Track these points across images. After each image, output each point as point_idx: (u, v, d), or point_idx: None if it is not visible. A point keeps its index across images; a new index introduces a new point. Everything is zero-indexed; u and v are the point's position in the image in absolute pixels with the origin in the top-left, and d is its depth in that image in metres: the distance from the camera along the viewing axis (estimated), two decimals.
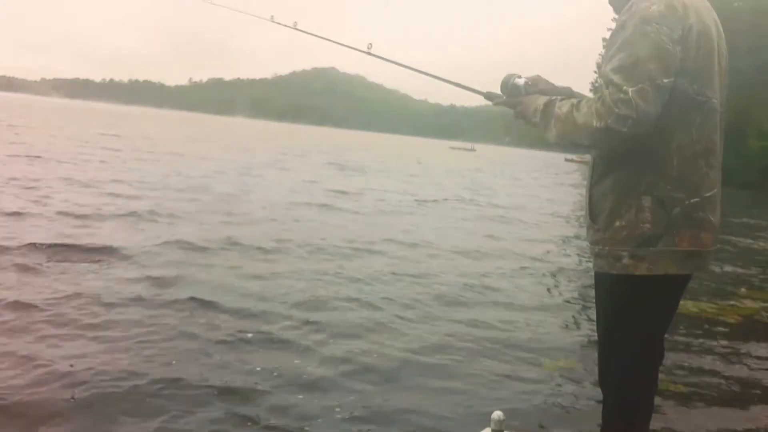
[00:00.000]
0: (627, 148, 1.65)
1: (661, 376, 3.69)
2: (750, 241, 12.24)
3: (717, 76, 1.70)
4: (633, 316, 1.76)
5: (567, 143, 1.72)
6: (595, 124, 1.59)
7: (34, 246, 5.69)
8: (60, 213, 7.59)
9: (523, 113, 1.86)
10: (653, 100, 1.55)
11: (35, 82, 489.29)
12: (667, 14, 1.59)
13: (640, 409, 1.85)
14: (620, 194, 1.69)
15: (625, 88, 1.55)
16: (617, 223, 1.69)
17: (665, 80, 1.56)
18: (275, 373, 3.41)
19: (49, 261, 5.30)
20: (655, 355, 1.87)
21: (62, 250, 5.69)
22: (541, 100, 1.79)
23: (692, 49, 1.61)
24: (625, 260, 1.68)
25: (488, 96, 2.02)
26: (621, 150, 1.67)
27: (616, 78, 1.58)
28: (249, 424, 2.85)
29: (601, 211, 1.74)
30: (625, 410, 1.84)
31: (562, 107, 1.70)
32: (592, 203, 1.78)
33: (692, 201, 1.65)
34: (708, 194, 1.68)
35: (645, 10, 1.59)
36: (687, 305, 5.66)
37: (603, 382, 1.92)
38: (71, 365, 3.23)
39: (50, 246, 5.77)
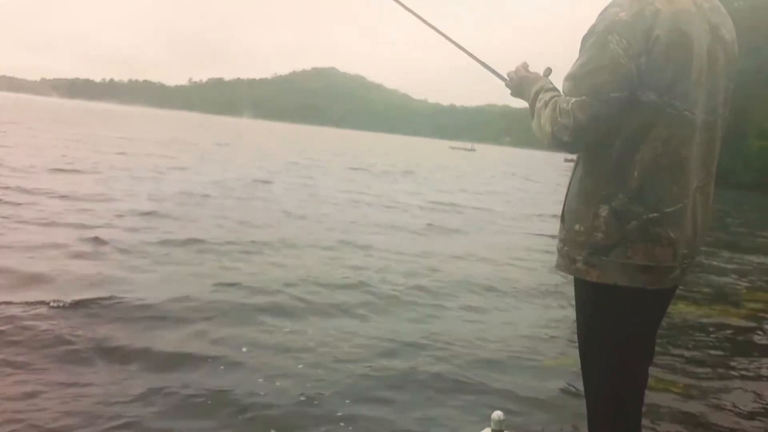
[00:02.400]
0: (579, 152, 1.71)
1: (661, 376, 3.74)
2: (750, 241, 12.25)
3: (698, 87, 1.63)
4: (601, 321, 1.75)
5: (539, 139, 1.76)
6: (547, 128, 1.66)
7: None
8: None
9: (523, 89, 1.90)
10: (592, 113, 1.56)
11: (35, 82, 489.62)
12: (632, 24, 1.55)
13: (620, 414, 1.80)
14: (584, 198, 1.70)
15: (568, 98, 1.60)
16: (577, 227, 1.70)
17: (613, 94, 1.55)
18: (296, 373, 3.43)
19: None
20: (634, 362, 1.80)
21: None
22: (535, 87, 1.82)
23: (659, 61, 1.56)
24: (579, 264, 1.69)
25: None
26: (577, 152, 1.73)
27: (566, 86, 1.63)
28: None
29: (569, 210, 1.75)
30: (605, 415, 1.80)
31: (539, 102, 1.76)
32: (566, 199, 1.79)
33: (651, 216, 1.61)
34: (670, 209, 1.62)
35: (613, 17, 1.58)
36: (685, 307, 5.67)
37: (584, 386, 1.89)
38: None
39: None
